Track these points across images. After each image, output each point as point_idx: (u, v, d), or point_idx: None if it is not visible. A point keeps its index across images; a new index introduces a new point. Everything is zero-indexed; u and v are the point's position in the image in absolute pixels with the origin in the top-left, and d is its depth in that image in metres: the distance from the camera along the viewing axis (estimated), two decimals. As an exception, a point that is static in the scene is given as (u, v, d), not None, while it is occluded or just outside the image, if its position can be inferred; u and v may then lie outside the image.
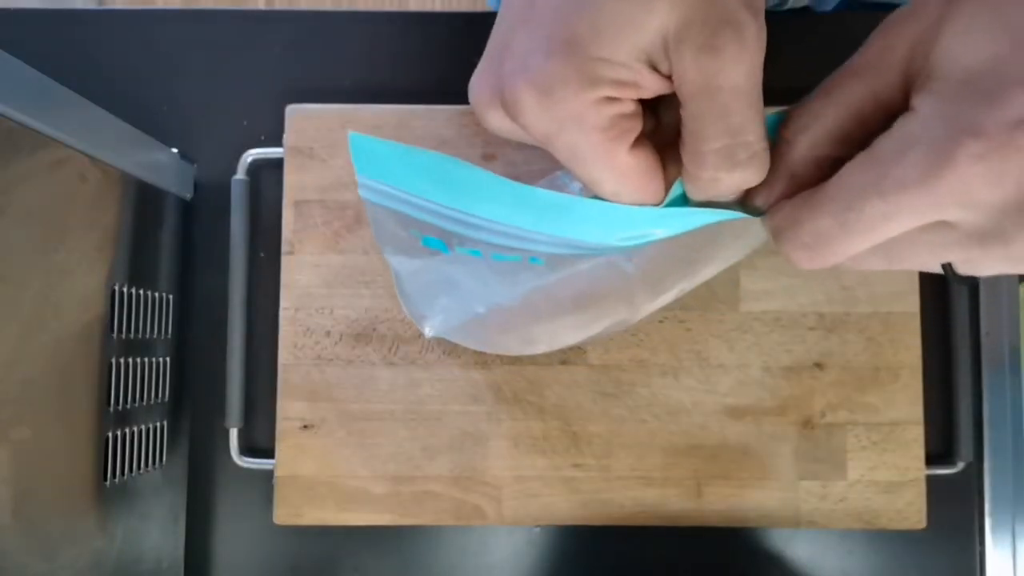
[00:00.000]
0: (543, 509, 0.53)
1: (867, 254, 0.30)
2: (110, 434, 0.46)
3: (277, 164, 0.55)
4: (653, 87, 0.30)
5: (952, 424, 0.55)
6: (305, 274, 0.54)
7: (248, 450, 0.56)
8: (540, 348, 0.49)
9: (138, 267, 0.49)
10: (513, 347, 0.50)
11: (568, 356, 0.53)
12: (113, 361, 0.46)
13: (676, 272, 0.42)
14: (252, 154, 0.56)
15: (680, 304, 0.54)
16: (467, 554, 0.56)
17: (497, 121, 0.34)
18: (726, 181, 0.30)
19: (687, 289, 0.43)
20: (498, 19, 0.35)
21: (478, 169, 0.34)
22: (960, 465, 0.54)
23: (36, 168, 0.39)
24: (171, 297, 0.54)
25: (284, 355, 0.54)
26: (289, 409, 0.53)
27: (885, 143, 0.27)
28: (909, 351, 0.53)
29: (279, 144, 0.55)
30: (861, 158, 0.28)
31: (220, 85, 0.59)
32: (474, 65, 0.37)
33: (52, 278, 0.41)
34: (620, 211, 0.33)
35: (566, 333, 0.47)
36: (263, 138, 0.57)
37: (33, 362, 0.39)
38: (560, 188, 0.38)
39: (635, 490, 0.53)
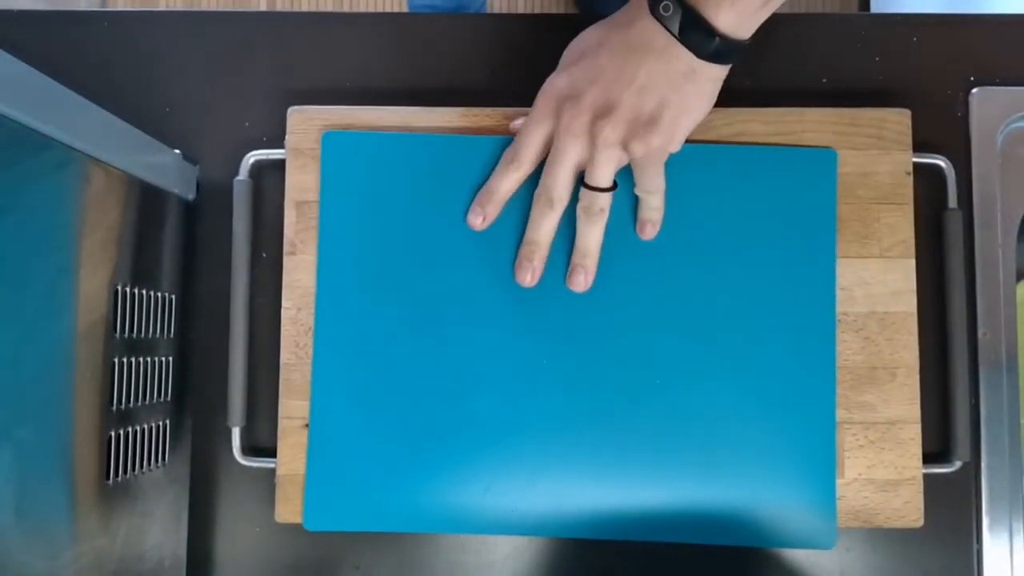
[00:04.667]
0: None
1: None
2: (112, 433, 0.46)
3: (279, 165, 0.56)
4: None
5: (949, 423, 0.55)
6: (307, 274, 0.54)
7: (250, 449, 0.56)
8: None
9: (141, 267, 0.49)
10: None
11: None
12: (116, 361, 0.47)
13: None
14: (254, 155, 0.57)
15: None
16: (467, 553, 0.56)
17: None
18: None
19: None
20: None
21: None
22: (957, 464, 0.54)
23: (39, 169, 0.39)
24: (173, 297, 0.54)
25: (286, 354, 0.54)
26: (291, 408, 0.54)
27: None
28: (906, 350, 0.54)
29: (281, 145, 0.56)
30: None
31: (222, 87, 0.59)
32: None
33: (55, 278, 0.41)
34: None
35: None
36: (265, 139, 0.58)
37: (36, 362, 0.39)
38: None
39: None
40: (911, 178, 0.54)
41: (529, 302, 0.53)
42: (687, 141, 0.48)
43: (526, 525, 0.52)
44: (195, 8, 1.50)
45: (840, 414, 0.53)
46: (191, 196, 0.57)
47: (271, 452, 0.54)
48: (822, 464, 0.52)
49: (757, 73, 0.58)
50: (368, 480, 0.52)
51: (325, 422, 0.53)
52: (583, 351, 0.53)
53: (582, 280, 0.51)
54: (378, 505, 0.52)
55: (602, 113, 0.46)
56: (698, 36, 0.44)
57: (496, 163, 0.52)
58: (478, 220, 0.52)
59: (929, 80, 0.58)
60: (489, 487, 0.52)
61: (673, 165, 0.50)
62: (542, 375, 0.52)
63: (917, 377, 0.53)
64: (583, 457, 0.52)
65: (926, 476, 0.53)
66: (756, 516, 0.52)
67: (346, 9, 1.60)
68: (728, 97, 0.57)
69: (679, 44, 0.44)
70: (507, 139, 0.52)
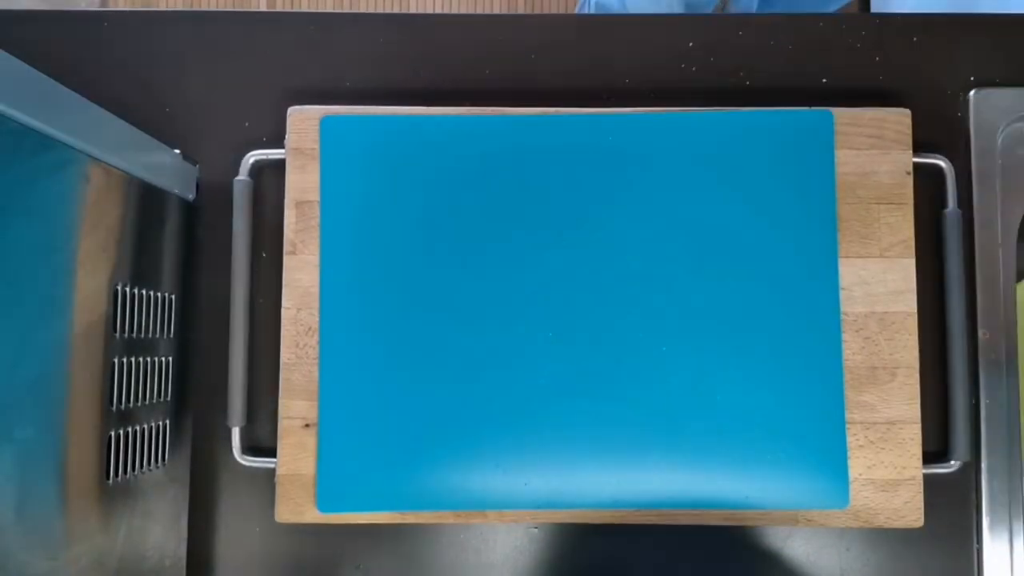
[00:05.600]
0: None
1: None
2: (113, 433, 0.46)
3: (279, 165, 0.56)
4: None
5: (949, 423, 0.55)
6: (307, 274, 0.54)
7: (250, 449, 0.56)
8: None
9: (141, 267, 0.50)
10: None
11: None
12: (116, 361, 0.47)
13: None
14: (254, 155, 0.57)
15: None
16: (467, 551, 0.56)
17: None
18: None
19: None
20: None
21: None
22: (957, 464, 0.55)
23: (39, 169, 0.39)
24: (173, 297, 0.54)
25: (286, 354, 0.54)
26: (291, 408, 0.54)
27: None
28: (906, 350, 0.54)
29: (281, 145, 0.56)
30: None
31: (222, 87, 0.59)
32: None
33: (55, 278, 0.41)
34: None
35: None
36: (265, 139, 0.58)
37: (36, 361, 0.39)
38: None
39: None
40: (911, 178, 0.54)
41: (533, 281, 0.53)
42: (687, 109, 0.48)
43: (539, 500, 0.53)
44: (195, 8, 1.50)
45: (840, 414, 0.53)
46: (191, 196, 0.57)
47: (271, 452, 0.54)
48: (832, 426, 0.53)
49: (757, 73, 0.58)
50: (380, 462, 0.53)
51: (335, 408, 0.53)
52: (588, 329, 0.53)
53: None
54: (390, 486, 0.52)
55: None
56: None
57: (497, 144, 0.52)
58: None
59: (929, 80, 0.58)
60: (500, 464, 0.52)
61: (671, 133, 0.52)
62: (548, 354, 0.53)
63: (917, 377, 0.53)
64: (593, 430, 0.53)
65: (926, 476, 0.53)
66: (770, 479, 0.52)
67: (346, 9, 1.60)
68: (728, 97, 0.57)
69: None
70: (506, 119, 0.53)
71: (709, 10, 0.78)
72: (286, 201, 0.55)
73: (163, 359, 0.53)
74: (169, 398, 0.54)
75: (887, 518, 0.53)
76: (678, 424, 0.52)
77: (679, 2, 0.81)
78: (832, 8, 0.79)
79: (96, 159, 0.44)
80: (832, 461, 0.52)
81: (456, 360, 0.53)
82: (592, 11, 0.92)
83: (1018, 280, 0.57)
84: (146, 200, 0.50)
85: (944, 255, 0.56)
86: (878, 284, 0.54)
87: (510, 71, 0.59)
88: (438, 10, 1.59)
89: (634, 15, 0.63)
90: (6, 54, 0.37)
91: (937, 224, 0.56)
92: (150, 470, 0.51)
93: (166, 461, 0.53)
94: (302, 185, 0.55)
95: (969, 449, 0.55)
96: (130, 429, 0.48)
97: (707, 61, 0.58)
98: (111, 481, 0.46)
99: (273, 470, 0.54)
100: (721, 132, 0.54)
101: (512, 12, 1.59)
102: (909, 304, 0.54)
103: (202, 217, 0.58)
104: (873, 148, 0.54)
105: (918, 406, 0.53)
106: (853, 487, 0.53)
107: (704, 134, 0.54)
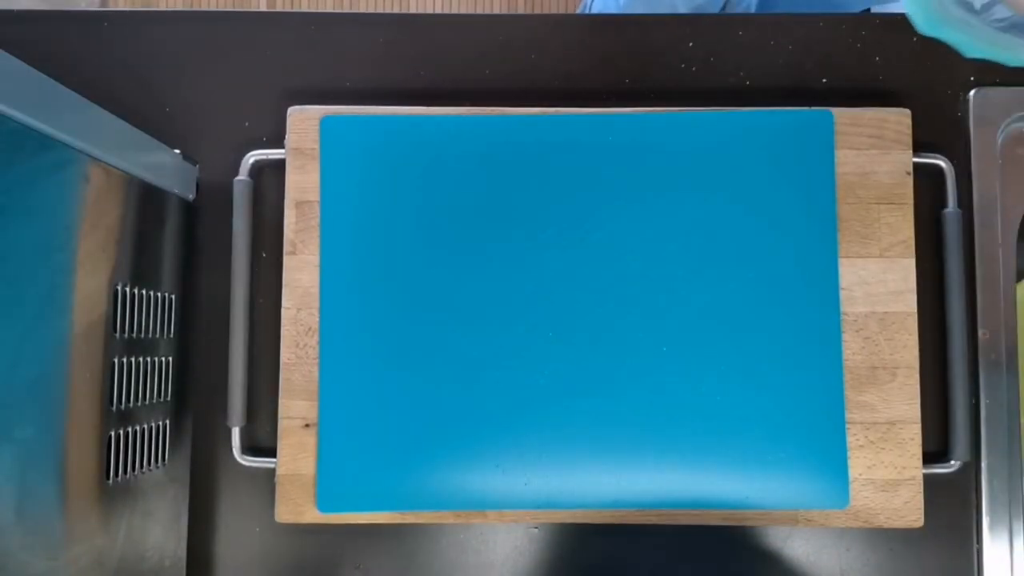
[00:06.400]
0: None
1: None
2: (113, 433, 0.46)
3: (279, 165, 0.56)
4: None
5: (949, 423, 0.55)
6: (307, 274, 0.54)
7: (250, 449, 0.56)
8: None
9: (141, 267, 0.50)
10: None
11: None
12: (116, 361, 0.47)
13: None
14: (254, 155, 0.57)
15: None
16: (467, 551, 0.56)
17: None
18: None
19: None
20: None
21: None
22: (957, 464, 0.55)
23: (39, 169, 0.39)
24: (173, 297, 0.54)
25: (286, 354, 0.54)
26: (291, 408, 0.54)
27: None
28: (906, 350, 0.54)
29: (281, 145, 0.56)
30: None
31: (222, 87, 0.59)
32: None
33: (55, 278, 0.41)
34: None
35: None
36: (265, 139, 0.58)
37: (36, 361, 0.39)
38: None
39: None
40: (911, 178, 0.54)
41: (533, 281, 0.53)
42: (687, 109, 0.47)
43: (539, 500, 0.53)
44: (195, 8, 1.50)
45: (840, 414, 0.53)
46: (191, 196, 0.57)
47: (271, 452, 0.54)
48: (832, 426, 0.53)
49: (757, 73, 0.58)
50: (380, 462, 0.53)
51: (335, 408, 0.53)
52: (588, 329, 0.53)
53: None
54: (390, 486, 0.53)
55: None
56: None
57: (497, 144, 0.52)
58: None
59: (929, 80, 0.58)
60: (500, 464, 0.52)
61: (671, 133, 0.52)
62: (548, 354, 0.53)
63: (917, 377, 0.53)
64: (593, 430, 0.53)
65: (926, 476, 0.53)
66: (770, 479, 0.52)
67: (346, 9, 1.60)
68: (728, 97, 0.57)
69: None
70: (506, 118, 0.54)
71: (716, 10, 0.78)
72: (286, 201, 0.55)
73: (163, 359, 0.53)
74: (169, 398, 0.54)
75: (887, 518, 0.53)
76: (678, 424, 0.52)
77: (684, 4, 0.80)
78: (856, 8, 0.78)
79: (96, 159, 0.44)
80: (832, 461, 0.52)
81: (456, 360, 0.53)
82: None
83: (1018, 280, 0.57)
84: (146, 200, 0.50)
85: (944, 255, 0.56)
86: (878, 284, 0.54)
87: (510, 71, 0.59)
88: (438, 10, 1.59)
89: (634, 15, 0.63)
90: (6, 54, 0.37)
91: (937, 224, 0.56)
92: (150, 470, 0.51)
93: (166, 461, 0.53)
94: (302, 185, 0.55)
95: (969, 449, 0.55)
96: (130, 429, 0.48)
97: (707, 61, 0.58)
98: (111, 481, 0.46)
99: (273, 470, 0.54)
100: (721, 132, 0.54)
101: (512, 12, 1.59)
102: (909, 304, 0.54)
103: (202, 217, 0.58)
104: (873, 148, 0.54)
105: (918, 406, 0.53)
106: (853, 487, 0.53)
107: (704, 134, 0.54)
